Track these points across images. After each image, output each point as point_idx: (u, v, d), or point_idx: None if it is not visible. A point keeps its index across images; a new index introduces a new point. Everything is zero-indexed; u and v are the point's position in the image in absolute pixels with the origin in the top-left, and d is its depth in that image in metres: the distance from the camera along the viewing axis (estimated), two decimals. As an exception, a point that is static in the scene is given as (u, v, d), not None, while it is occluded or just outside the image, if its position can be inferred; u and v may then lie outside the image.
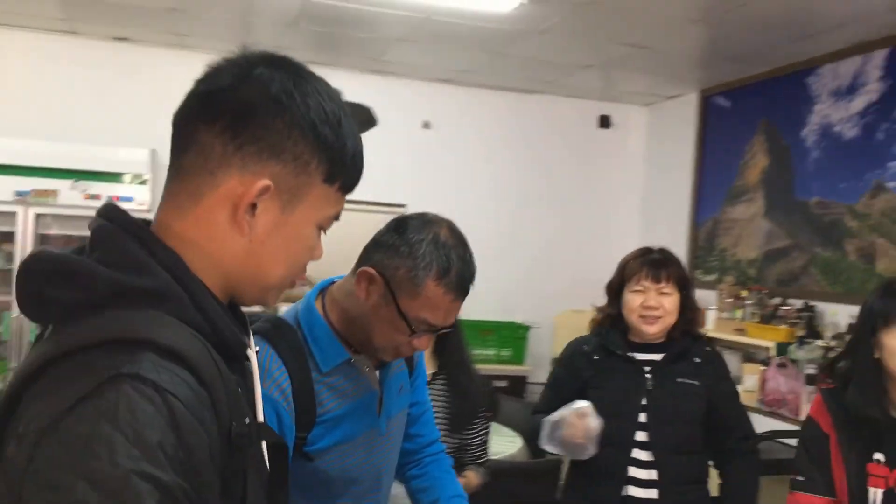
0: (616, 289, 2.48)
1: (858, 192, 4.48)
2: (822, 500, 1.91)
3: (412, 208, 5.98)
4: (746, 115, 5.38)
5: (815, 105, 4.81)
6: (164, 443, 0.71)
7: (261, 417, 0.94)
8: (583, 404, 2.27)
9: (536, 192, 6.29)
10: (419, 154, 6.02)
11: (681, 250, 5.64)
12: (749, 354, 4.91)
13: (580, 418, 2.25)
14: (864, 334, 1.88)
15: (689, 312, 2.43)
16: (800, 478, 1.96)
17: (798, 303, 4.70)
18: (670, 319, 2.38)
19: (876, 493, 1.84)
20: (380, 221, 1.55)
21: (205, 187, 0.86)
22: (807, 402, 3.92)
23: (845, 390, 1.90)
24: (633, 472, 2.33)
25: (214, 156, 0.86)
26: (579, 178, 6.40)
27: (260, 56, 0.91)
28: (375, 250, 1.49)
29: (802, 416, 3.93)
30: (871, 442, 1.85)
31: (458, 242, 1.48)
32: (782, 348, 4.49)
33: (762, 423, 3.78)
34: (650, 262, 2.40)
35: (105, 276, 0.79)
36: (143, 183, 4.96)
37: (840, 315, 4.45)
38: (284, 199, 0.88)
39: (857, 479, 1.84)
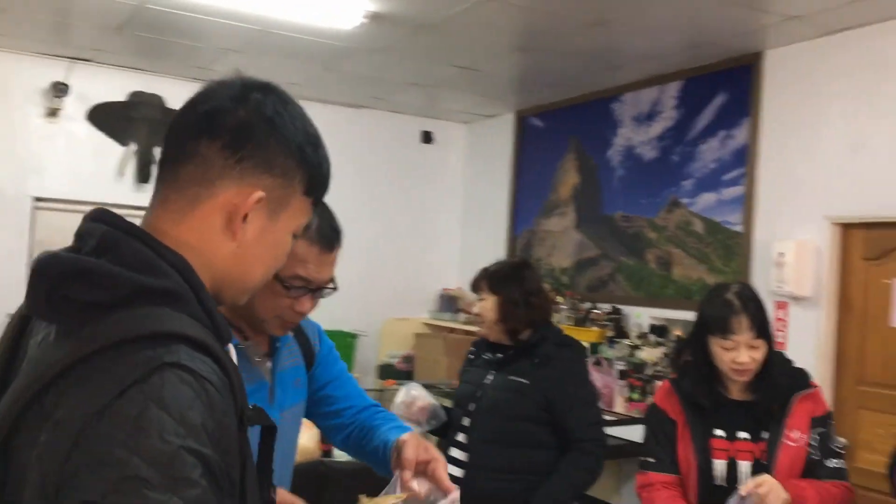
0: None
1: (657, 207, 5.06)
2: (670, 476, 2.21)
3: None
4: (559, 135, 5.87)
5: (619, 129, 5.37)
6: (205, 423, 0.80)
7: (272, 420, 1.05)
8: (413, 385, 2.68)
9: (362, 204, 6.43)
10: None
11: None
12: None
13: (411, 397, 2.60)
14: (697, 336, 2.21)
15: (518, 311, 2.64)
16: (650, 459, 2.25)
17: (607, 306, 5.20)
18: (488, 322, 2.69)
19: (720, 464, 2.16)
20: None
21: (203, 196, 0.95)
22: (619, 395, 4.37)
23: (686, 380, 2.22)
24: (454, 452, 2.65)
25: (215, 168, 0.95)
26: (403, 190, 6.63)
27: (253, 82, 1.03)
28: None
29: (616, 408, 4.39)
30: (712, 420, 2.18)
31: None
32: (594, 348, 4.96)
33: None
34: (477, 275, 2.83)
35: (126, 277, 0.86)
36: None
37: (643, 317, 4.99)
38: (271, 209, 0.99)
39: (703, 454, 2.16)
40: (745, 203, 4.42)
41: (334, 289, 1.59)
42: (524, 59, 4.99)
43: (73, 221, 0.98)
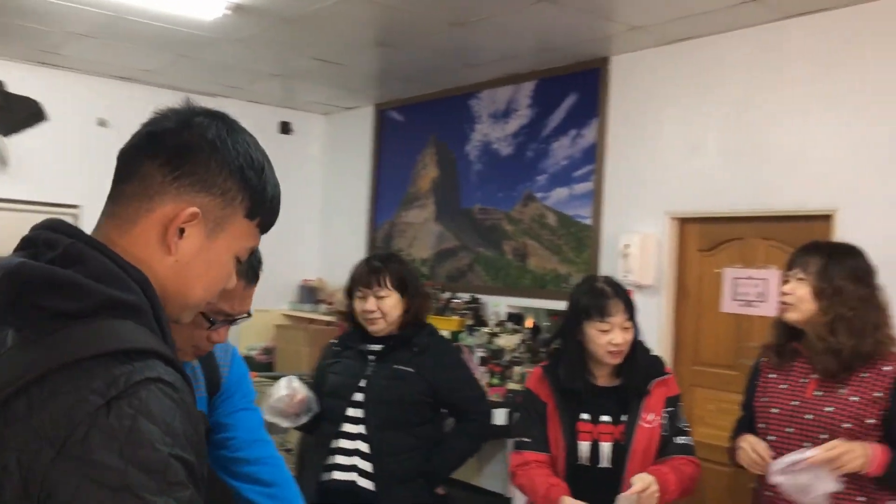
0: (349, 294, 2.79)
1: (513, 201, 5.30)
2: (543, 455, 2.39)
3: (87, 210, 5.74)
4: (418, 129, 6.01)
5: (476, 124, 5.57)
6: (185, 430, 0.88)
7: None
8: (290, 378, 2.66)
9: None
10: (93, 153, 5.71)
11: (360, 252, 6.12)
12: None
13: (287, 390, 2.62)
14: (571, 322, 2.40)
15: (413, 307, 2.76)
16: (525, 439, 2.42)
17: (466, 296, 5.41)
18: (391, 318, 2.70)
19: (584, 445, 2.36)
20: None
21: (143, 210, 1.01)
22: (482, 381, 4.57)
23: (558, 366, 2.41)
24: (342, 442, 2.68)
25: (154, 184, 1.01)
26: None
27: (201, 108, 1.09)
28: None
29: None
30: (579, 405, 2.38)
31: None
32: (455, 336, 5.15)
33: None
34: (368, 270, 2.74)
35: (96, 289, 0.91)
36: None
37: (501, 306, 5.23)
38: (210, 227, 1.04)
39: (570, 436, 2.35)
40: (594, 198, 4.73)
41: (249, 316, 1.64)
42: (384, 54, 5.08)
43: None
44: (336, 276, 5.87)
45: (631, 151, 4.56)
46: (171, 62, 5.35)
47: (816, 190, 3.75)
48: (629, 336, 2.35)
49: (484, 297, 5.35)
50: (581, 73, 4.85)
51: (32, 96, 5.46)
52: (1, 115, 5.32)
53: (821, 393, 2.17)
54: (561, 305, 4.96)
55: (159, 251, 1.01)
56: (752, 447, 2.22)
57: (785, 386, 2.25)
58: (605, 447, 2.34)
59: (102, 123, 5.77)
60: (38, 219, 1.06)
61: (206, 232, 1.04)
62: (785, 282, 2.26)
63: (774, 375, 2.29)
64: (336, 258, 6.37)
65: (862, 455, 2.03)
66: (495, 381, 4.59)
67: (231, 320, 1.61)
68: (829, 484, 2.01)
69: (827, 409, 2.15)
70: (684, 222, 4.36)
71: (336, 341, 2.90)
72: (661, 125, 4.41)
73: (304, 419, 2.67)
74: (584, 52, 4.68)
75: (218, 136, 1.04)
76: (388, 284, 2.72)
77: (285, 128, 6.69)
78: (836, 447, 2.03)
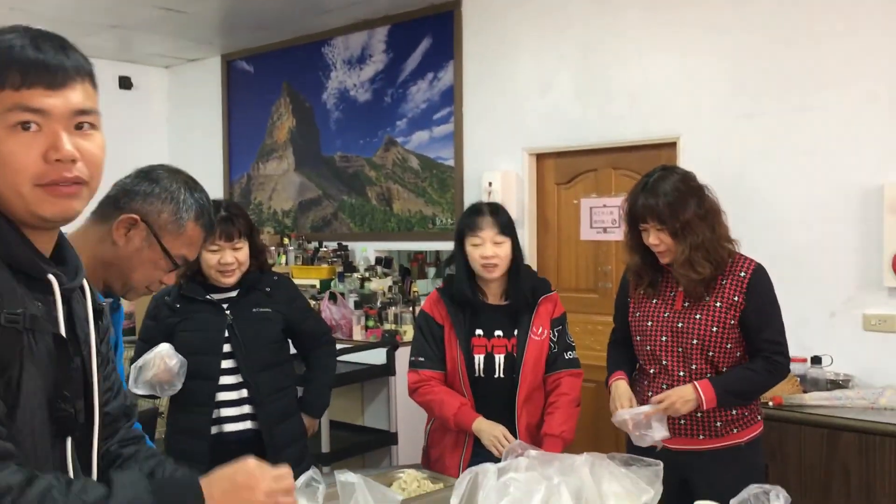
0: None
1: (374, 147, 5.35)
2: (439, 373, 2.57)
3: None
4: (270, 79, 5.90)
5: (331, 72, 5.54)
6: None
7: (62, 331, 1.12)
8: (163, 347, 2.54)
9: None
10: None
11: (218, 207, 5.97)
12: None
13: (162, 359, 2.51)
14: (457, 243, 2.57)
15: (259, 254, 2.81)
16: (421, 358, 2.57)
17: (333, 244, 5.44)
18: (244, 268, 2.71)
19: (479, 358, 2.56)
20: None
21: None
22: (357, 324, 4.66)
23: (452, 286, 2.56)
24: (223, 395, 2.68)
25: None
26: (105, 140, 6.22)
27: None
28: (129, 198, 1.61)
29: (356, 336, 4.67)
30: (473, 322, 2.54)
31: (201, 188, 1.70)
32: (325, 284, 5.19)
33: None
34: (221, 221, 2.61)
35: None
36: None
37: (369, 251, 5.31)
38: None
39: (466, 351, 2.52)
40: (455, 139, 4.87)
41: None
42: (229, 0, 4.94)
43: None
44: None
45: (488, 92, 4.72)
46: (1, 17, 4.95)
47: (659, 120, 4.05)
48: (501, 251, 2.52)
49: (351, 244, 5.40)
50: (434, 17, 4.93)
51: None
52: None
53: (688, 303, 2.41)
54: (428, 246, 5.13)
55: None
56: (618, 397, 2.42)
57: (656, 300, 2.48)
58: (499, 359, 2.54)
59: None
60: None
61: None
62: (643, 231, 2.39)
63: (643, 291, 2.52)
64: (192, 216, 6.18)
65: (691, 398, 2.30)
66: (371, 323, 4.68)
67: (186, 265, 1.75)
68: (661, 432, 2.31)
69: (696, 316, 2.39)
70: (541, 157, 4.58)
71: (168, 298, 2.75)
72: (516, 66, 4.58)
73: (178, 386, 2.57)
74: (436, -4, 4.76)
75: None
76: (242, 235, 2.70)
77: (125, 83, 6.36)
78: (665, 398, 2.30)
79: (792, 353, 2.47)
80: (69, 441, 1.14)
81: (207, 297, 2.72)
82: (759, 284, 2.37)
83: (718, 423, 2.39)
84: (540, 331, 2.56)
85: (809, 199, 3.61)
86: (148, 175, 1.70)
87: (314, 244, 5.51)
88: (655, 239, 2.36)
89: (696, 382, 2.32)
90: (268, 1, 4.90)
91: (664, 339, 2.43)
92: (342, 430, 4.31)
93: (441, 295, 2.62)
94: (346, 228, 5.52)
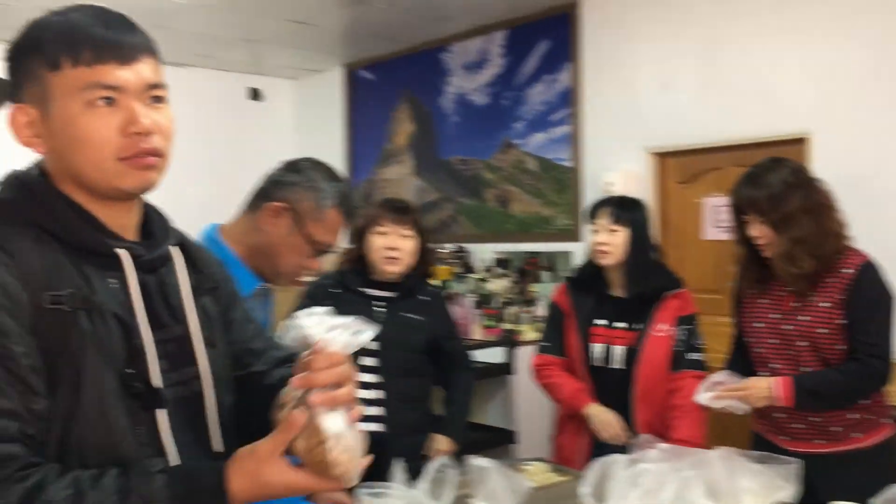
0: (360, 231, 2.73)
1: (491, 149, 5.43)
2: (560, 359, 2.66)
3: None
4: (390, 86, 6.08)
5: (450, 77, 5.66)
6: None
7: (135, 307, 1.10)
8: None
9: (196, 165, 6.32)
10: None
11: (341, 211, 6.20)
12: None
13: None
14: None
15: (427, 260, 2.81)
16: (547, 343, 2.64)
17: (451, 246, 5.54)
18: (406, 262, 2.67)
19: (597, 347, 2.61)
20: None
21: None
22: (476, 323, 4.74)
23: (578, 280, 2.63)
24: (361, 393, 2.74)
25: None
26: (235, 148, 6.55)
27: None
28: (276, 189, 1.75)
29: (476, 335, 4.75)
30: (595, 312, 2.60)
31: (342, 178, 1.86)
32: (445, 284, 5.29)
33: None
34: (394, 208, 2.70)
35: None
36: None
37: (487, 252, 5.38)
38: None
39: (583, 339, 2.59)
40: (573, 140, 4.88)
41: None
42: (353, 12, 5.11)
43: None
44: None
45: (607, 91, 4.70)
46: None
47: (788, 116, 3.93)
48: (615, 239, 2.54)
49: (469, 246, 5.49)
50: (552, 19, 4.96)
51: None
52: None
53: (797, 304, 2.33)
54: (546, 247, 5.15)
55: None
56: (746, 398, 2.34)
57: (766, 300, 2.41)
58: (618, 350, 2.56)
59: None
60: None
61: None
62: (746, 224, 2.36)
63: (755, 291, 2.46)
64: (316, 220, 6.43)
65: (766, 394, 2.26)
66: (490, 322, 4.76)
67: (329, 250, 1.85)
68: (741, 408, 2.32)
69: (803, 318, 2.31)
70: (663, 156, 4.53)
71: (330, 281, 2.73)
72: (635, 63, 4.55)
73: None
74: (554, -2, 4.80)
75: None
76: (413, 226, 2.68)
77: (256, 94, 6.69)
78: (741, 387, 2.29)
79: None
80: (160, 414, 1.10)
81: (365, 290, 2.71)
82: (864, 280, 2.25)
83: (836, 428, 2.30)
84: (662, 327, 2.55)
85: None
86: (293, 166, 1.85)
87: (433, 246, 5.62)
88: (757, 231, 2.32)
89: (775, 378, 2.27)
90: (389, 12, 5.06)
91: (773, 341, 2.37)
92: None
93: (568, 283, 2.68)
94: (464, 230, 5.62)
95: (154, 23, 5.04)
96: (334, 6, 4.93)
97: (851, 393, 2.30)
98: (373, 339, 2.75)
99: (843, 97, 3.76)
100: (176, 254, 1.21)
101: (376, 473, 1.84)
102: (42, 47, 1.06)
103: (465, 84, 5.57)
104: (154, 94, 1.10)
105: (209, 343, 1.19)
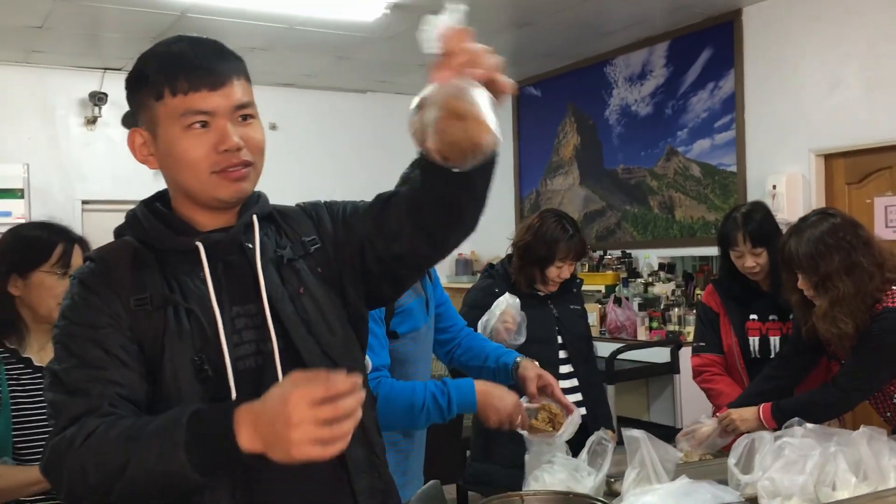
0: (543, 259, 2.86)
1: (655, 157, 5.57)
2: (717, 356, 2.78)
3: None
4: (556, 101, 6.37)
5: (613, 90, 5.86)
6: (76, 317, 1.18)
7: (211, 296, 1.20)
8: (507, 296, 2.69)
9: (380, 186, 6.82)
10: (268, 153, 6.37)
11: (509, 221, 6.54)
12: (585, 297, 5.88)
13: (511, 307, 2.65)
14: (722, 250, 2.73)
15: None
16: (703, 343, 2.79)
17: (617, 252, 5.73)
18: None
19: (754, 341, 2.72)
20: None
21: None
22: (642, 325, 4.90)
23: (725, 280, 2.78)
24: (561, 383, 2.71)
25: None
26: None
27: None
28: None
29: (640, 336, 4.91)
30: (747, 309, 2.73)
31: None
32: (609, 289, 5.48)
33: (606, 347, 4.59)
34: (569, 238, 2.79)
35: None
36: (19, 197, 4.98)
37: (652, 257, 5.52)
38: None
39: (741, 335, 2.71)
40: (737, 145, 4.94)
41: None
42: (521, 33, 5.44)
43: (117, 220, 1.31)
44: (487, 249, 6.28)
45: (770, 95, 4.74)
46: (330, 65, 5.92)
47: (963, 111, 3.85)
48: (760, 260, 2.62)
49: (634, 252, 5.65)
50: (714, 28, 5.06)
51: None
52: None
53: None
54: (711, 252, 5.21)
55: None
56: None
57: None
58: (774, 340, 2.68)
59: (273, 127, 6.43)
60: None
61: None
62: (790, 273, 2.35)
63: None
64: (486, 231, 6.74)
65: (752, 421, 2.35)
66: (654, 324, 4.90)
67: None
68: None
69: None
70: (829, 158, 4.51)
71: (499, 290, 2.81)
72: (799, 66, 4.57)
73: (521, 339, 2.63)
74: (715, 7, 4.89)
75: None
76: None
77: (430, 114, 7.16)
78: (724, 419, 2.40)
79: None
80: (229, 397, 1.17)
81: (531, 290, 2.85)
82: (877, 328, 2.24)
83: None
84: None
85: None
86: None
87: (598, 252, 5.83)
88: (806, 289, 2.32)
89: (761, 406, 2.38)
90: (555, 31, 5.35)
91: None
92: (628, 425, 4.55)
93: (715, 286, 2.82)
94: (628, 237, 5.78)
95: (341, 55, 5.61)
96: (503, 29, 5.28)
97: (825, 418, 2.36)
98: (558, 334, 2.92)
99: None
100: (256, 225, 1.27)
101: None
102: (148, 80, 1.20)
103: (629, 95, 5.75)
104: (243, 112, 1.21)
105: (285, 316, 1.22)
